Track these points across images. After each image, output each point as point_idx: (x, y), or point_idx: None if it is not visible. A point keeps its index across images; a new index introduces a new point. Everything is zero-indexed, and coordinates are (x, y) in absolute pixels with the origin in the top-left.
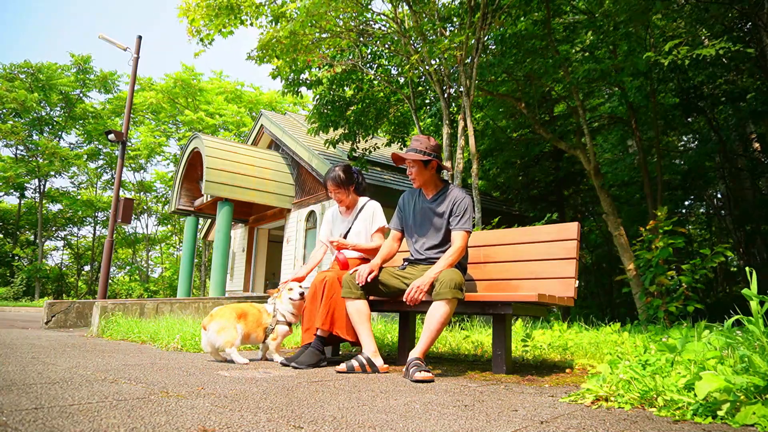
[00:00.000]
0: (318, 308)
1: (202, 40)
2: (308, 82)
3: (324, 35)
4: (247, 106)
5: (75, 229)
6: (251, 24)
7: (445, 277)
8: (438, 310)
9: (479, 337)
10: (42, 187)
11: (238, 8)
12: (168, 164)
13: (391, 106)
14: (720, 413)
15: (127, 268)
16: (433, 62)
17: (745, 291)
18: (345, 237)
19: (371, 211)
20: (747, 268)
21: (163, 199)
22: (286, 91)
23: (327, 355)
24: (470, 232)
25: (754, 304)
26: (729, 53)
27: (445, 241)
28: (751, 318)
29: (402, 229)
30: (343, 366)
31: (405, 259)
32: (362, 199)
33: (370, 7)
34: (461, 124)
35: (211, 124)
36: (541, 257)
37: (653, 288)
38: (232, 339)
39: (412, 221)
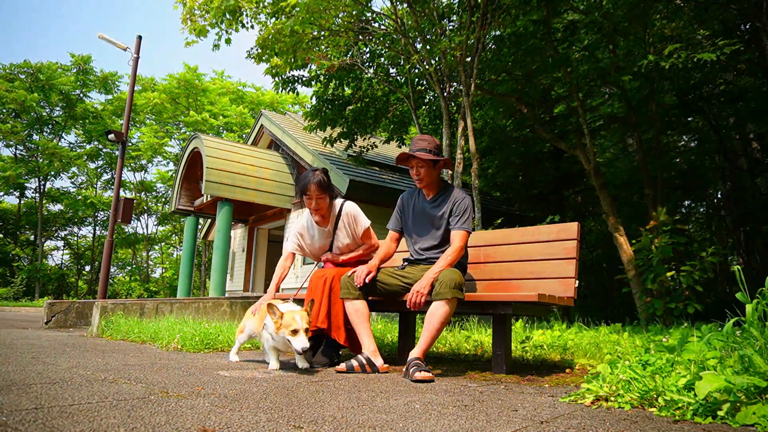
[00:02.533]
0: (318, 306)
1: (198, 32)
2: (304, 78)
3: (323, 33)
4: (249, 106)
5: (75, 229)
6: (252, 26)
7: (445, 277)
8: (438, 310)
9: (479, 337)
10: (42, 187)
11: (238, 10)
12: (168, 164)
13: (390, 105)
14: (720, 413)
15: (127, 268)
16: (432, 62)
17: (739, 295)
18: (329, 249)
19: (351, 214)
20: (735, 268)
21: (164, 199)
22: (280, 89)
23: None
24: (470, 232)
25: (749, 308)
26: (729, 55)
27: (445, 241)
28: (750, 319)
29: (400, 230)
30: (342, 366)
31: (405, 259)
32: (336, 203)
33: (370, 5)
34: (461, 123)
35: (215, 125)
36: (541, 257)
37: (654, 287)
38: (238, 330)
39: (412, 222)
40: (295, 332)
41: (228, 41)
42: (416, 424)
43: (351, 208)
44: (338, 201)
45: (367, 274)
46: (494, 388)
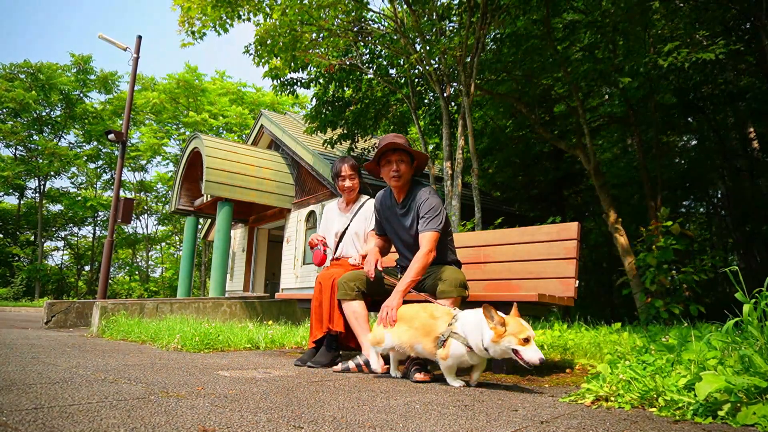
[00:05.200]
0: (328, 307)
1: (193, 33)
2: (303, 81)
3: (322, 34)
4: (249, 106)
5: (75, 229)
6: (248, 20)
7: (450, 275)
8: None
9: None
10: (42, 187)
11: (236, 2)
12: (168, 164)
13: (390, 105)
14: (720, 413)
15: (127, 268)
16: (432, 62)
17: (738, 295)
18: (342, 235)
19: (370, 209)
20: (728, 270)
21: (164, 199)
22: (279, 91)
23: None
24: (438, 231)
25: (746, 308)
26: (729, 54)
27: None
28: (749, 318)
29: (384, 234)
30: (338, 366)
31: (400, 265)
32: (363, 197)
33: (368, 6)
34: (461, 123)
35: (214, 125)
36: (541, 257)
37: (654, 287)
38: (372, 339)
39: (390, 229)
40: (527, 341)
41: (219, 31)
42: (416, 424)
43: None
44: (365, 196)
45: (376, 261)
46: (494, 388)
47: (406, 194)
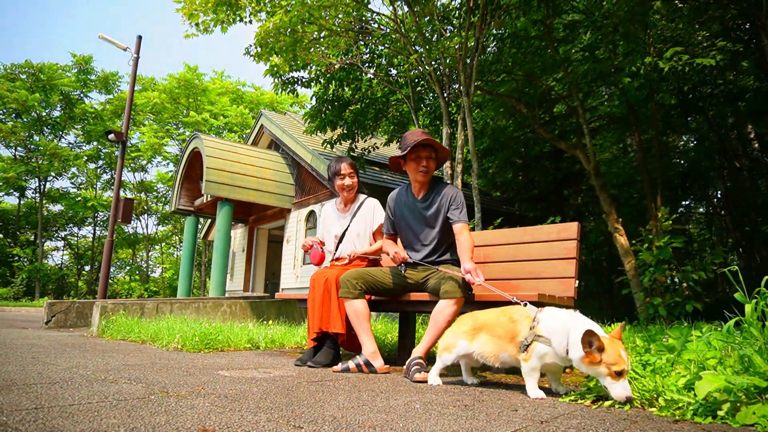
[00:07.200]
0: (329, 308)
1: (197, 25)
2: (304, 80)
3: (323, 34)
4: (248, 106)
5: (75, 229)
6: (250, 21)
7: (453, 276)
8: (446, 309)
9: None
10: (42, 187)
11: (236, 4)
12: (168, 164)
13: (390, 106)
14: (720, 413)
15: (127, 268)
16: (432, 62)
17: (737, 295)
18: (342, 237)
19: (371, 208)
20: (727, 270)
21: (164, 199)
22: (280, 90)
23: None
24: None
25: (748, 308)
26: (729, 56)
27: (441, 241)
28: (750, 319)
29: (395, 232)
30: (338, 366)
31: (403, 263)
32: (361, 196)
33: (369, 6)
34: (461, 123)
35: (215, 125)
36: (541, 257)
37: (650, 284)
38: (443, 346)
39: (405, 223)
40: (620, 375)
41: (224, 29)
42: (416, 424)
43: (374, 201)
44: (363, 195)
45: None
46: (494, 388)
47: (428, 190)
